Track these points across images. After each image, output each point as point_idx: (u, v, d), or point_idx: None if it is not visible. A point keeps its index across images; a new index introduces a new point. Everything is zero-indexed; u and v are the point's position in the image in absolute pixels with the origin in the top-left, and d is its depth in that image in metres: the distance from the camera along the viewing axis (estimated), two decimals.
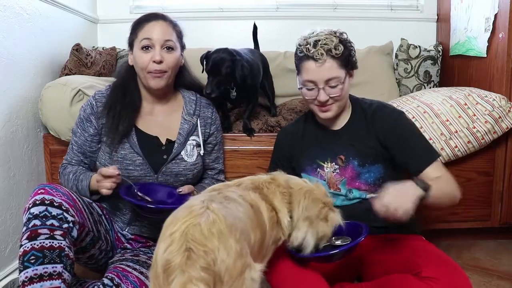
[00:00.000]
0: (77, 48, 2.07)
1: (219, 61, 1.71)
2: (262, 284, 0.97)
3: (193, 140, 1.56)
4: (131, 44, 1.51)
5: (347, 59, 1.39)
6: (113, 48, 2.45)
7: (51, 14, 2.06)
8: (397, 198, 1.13)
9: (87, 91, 1.84)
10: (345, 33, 1.43)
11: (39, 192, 1.22)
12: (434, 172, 1.34)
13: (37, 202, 1.19)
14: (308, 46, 1.37)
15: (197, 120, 1.58)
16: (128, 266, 1.38)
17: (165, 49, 1.46)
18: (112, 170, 1.34)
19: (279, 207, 1.16)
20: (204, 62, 1.77)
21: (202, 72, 1.77)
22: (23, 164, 1.81)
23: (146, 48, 1.44)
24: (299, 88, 1.46)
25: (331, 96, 1.38)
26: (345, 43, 1.39)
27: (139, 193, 1.38)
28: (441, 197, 1.28)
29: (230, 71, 1.72)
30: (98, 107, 1.50)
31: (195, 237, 0.86)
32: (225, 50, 1.75)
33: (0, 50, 1.65)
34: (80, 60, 2.08)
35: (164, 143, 1.53)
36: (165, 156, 1.51)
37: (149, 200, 1.38)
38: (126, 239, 1.55)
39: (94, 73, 2.15)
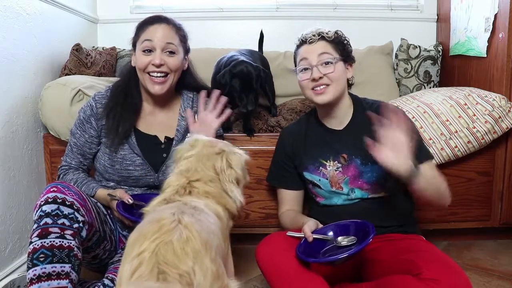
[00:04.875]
0: (77, 48, 2.07)
1: (249, 75, 1.74)
2: None
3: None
4: (134, 46, 1.50)
5: (341, 45, 1.44)
6: (113, 48, 2.45)
7: (51, 14, 2.06)
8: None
9: (87, 91, 1.84)
10: (341, 31, 1.48)
11: (51, 190, 1.22)
12: (430, 170, 1.36)
13: (50, 200, 1.19)
14: (302, 36, 1.45)
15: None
16: None
17: (167, 52, 1.45)
18: (127, 197, 1.38)
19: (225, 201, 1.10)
20: (227, 79, 1.75)
21: (225, 92, 1.71)
22: (23, 164, 1.81)
23: (147, 50, 1.44)
24: (296, 73, 1.47)
25: (324, 74, 1.39)
26: (340, 35, 1.45)
27: (136, 202, 1.38)
28: (430, 190, 1.29)
29: (259, 82, 1.78)
30: (98, 108, 1.50)
31: (167, 259, 0.77)
32: (244, 62, 1.77)
33: (0, 50, 1.65)
34: (80, 60, 2.08)
35: (163, 142, 1.53)
36: (164, 155, 1.51)
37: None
38: (127, 239, 1.54)
39: (94, 73, 2.15)
